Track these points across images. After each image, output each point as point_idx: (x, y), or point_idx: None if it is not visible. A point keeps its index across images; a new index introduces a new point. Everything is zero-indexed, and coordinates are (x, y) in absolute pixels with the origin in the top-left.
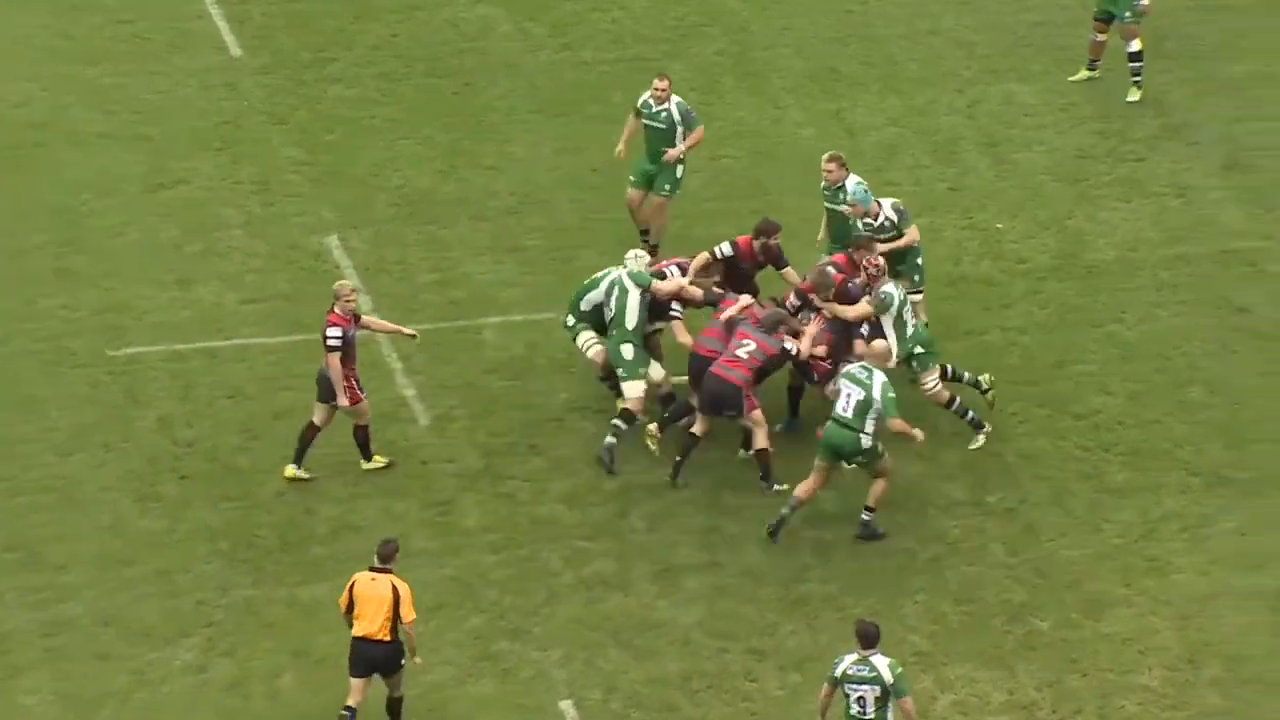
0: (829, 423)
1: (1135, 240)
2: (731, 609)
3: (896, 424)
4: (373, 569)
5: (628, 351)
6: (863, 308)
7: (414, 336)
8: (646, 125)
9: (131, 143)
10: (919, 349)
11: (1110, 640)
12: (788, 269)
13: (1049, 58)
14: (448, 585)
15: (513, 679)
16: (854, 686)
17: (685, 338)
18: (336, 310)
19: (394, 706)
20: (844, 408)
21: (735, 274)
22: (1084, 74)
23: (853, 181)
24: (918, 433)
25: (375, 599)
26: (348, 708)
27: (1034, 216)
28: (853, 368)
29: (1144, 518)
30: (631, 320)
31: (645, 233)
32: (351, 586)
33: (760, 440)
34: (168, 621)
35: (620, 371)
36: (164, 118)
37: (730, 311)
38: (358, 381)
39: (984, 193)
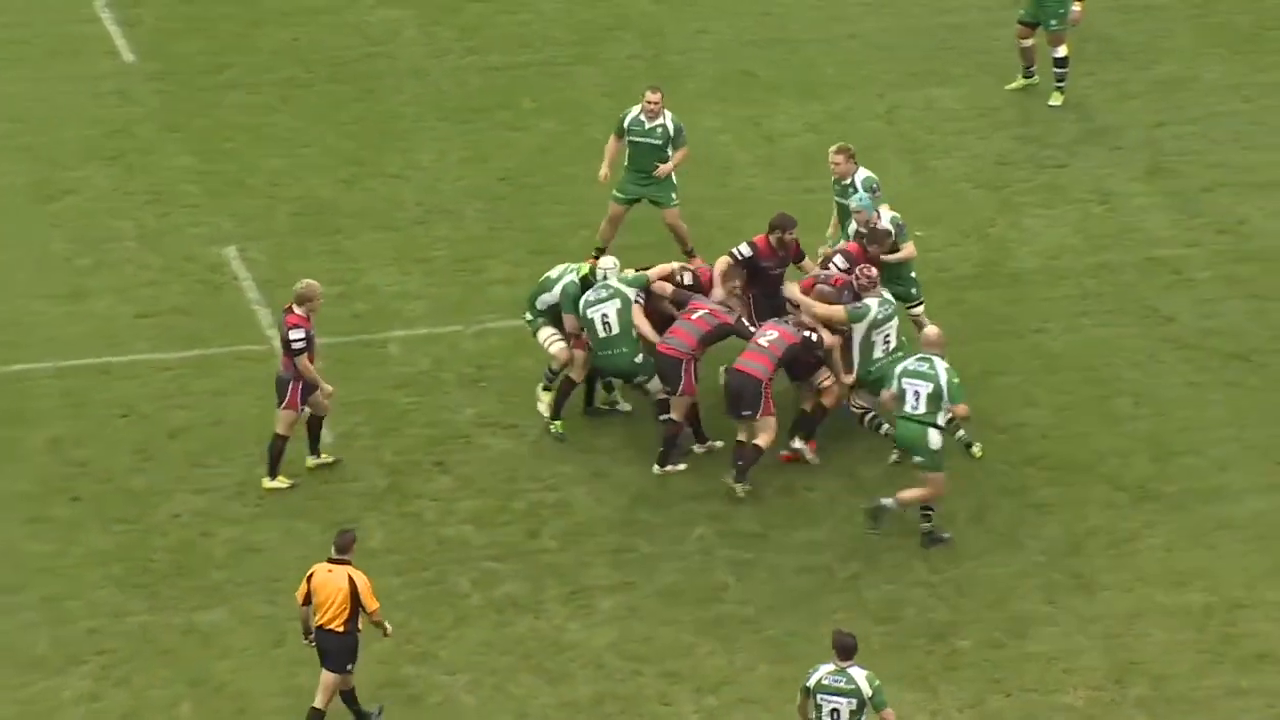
0: (899, 421)
1: (1058, 248)
2: (646, 631)
3: (962, 409)
4: (330, 560)
5: (639, 357)
6: (836, 310)
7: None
8: (636, 143)
9: (18, 152)
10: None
11: (1035, 660)
12: (806, 262)
13: (970, 62)
14: None
15: (420, 705)
16: (828, 698)
17: (644, 325)
18: (298, 311)
19: (314, 716)
20: (914, 405)
21: (760, 275)
22: (1021, 82)
23: (861, 177)
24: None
25: (332, 590)
26: (343, 691)
27: (955, 224)
28: (909, 363)
29: (1069, 533)
30: (635, 330)
31: (602, 250)
32: (309, 577)
33: (763, 440)
34: (58, 649)
35: (639, 377)
36: (53, 126)
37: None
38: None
39: (904, 200)
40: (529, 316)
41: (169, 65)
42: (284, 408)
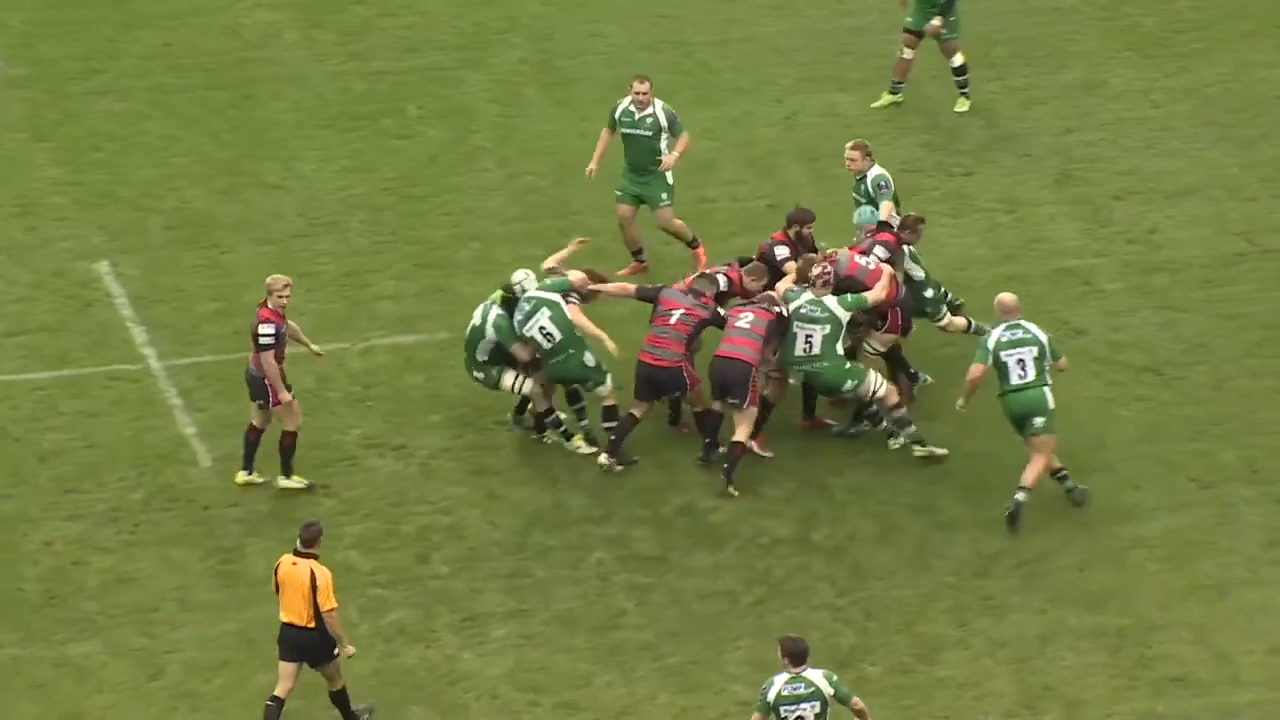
0: (1008, 397)
1: (965, 259)
2: (542, 659)
3: (1064, 362)
4: (296, 552)
5: (590, 359)
6: (780, 284)
7: (320, 355)
8: (628, 135)
9: None
10: (799, 369)
11: (945, 685)
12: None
13: (870, 66)
14: (233, 641)
15: None
16: (791, 708)
17: (586, 323)
18: (269, 305)
19: (337, 699)
20: (1022, 374)
21: (776, 273)
22: (887, 99)
23: (872, 176)
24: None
25: (295, 584)
26: (274, 697)
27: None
28: (1001, 335)
29: (978, 554)
30: (576, 330)
31: (638, 252)
32: (277, 569)
33: (743, 433)
34: None
35: (591, 383)
36: None
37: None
38: (285, 380)
39: None
40: (479, 375)
41: (36, 71)
42: (275, 405)
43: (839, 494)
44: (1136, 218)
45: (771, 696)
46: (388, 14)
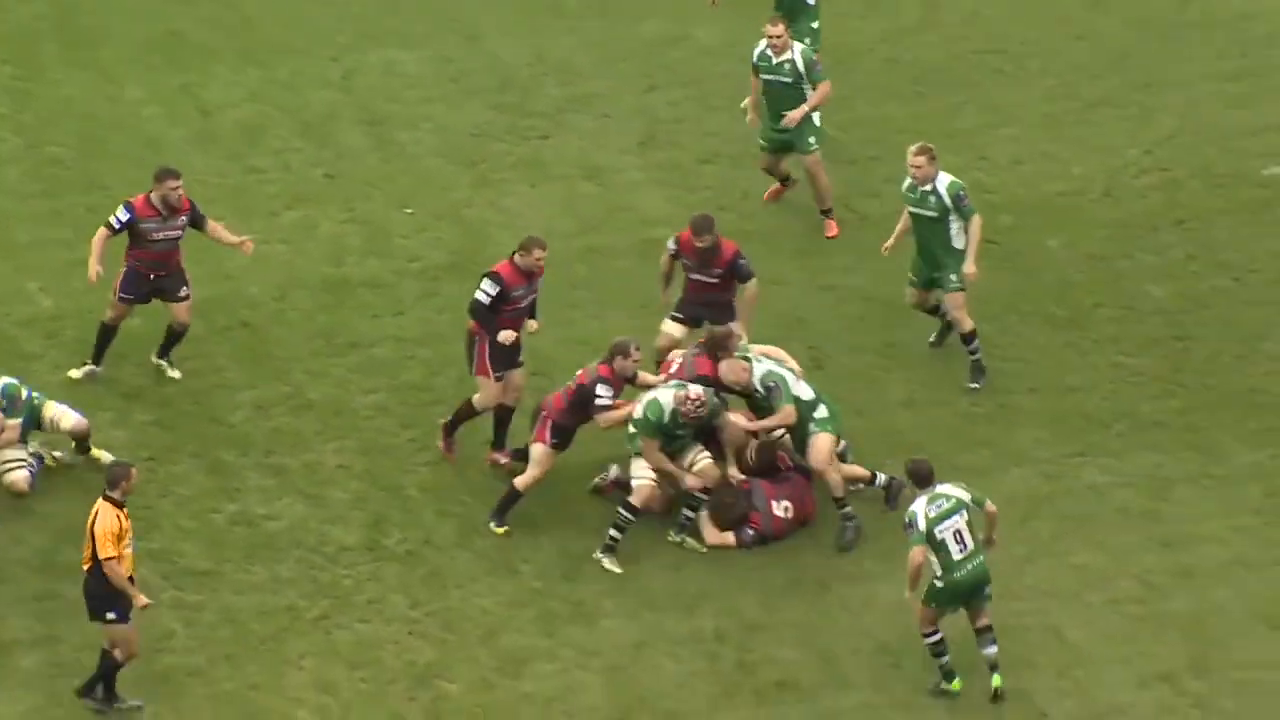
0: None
1: (545, 231)
2: (72, 693)
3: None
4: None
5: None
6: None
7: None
8: (767, 81)
9: None
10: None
11: (531, 701)
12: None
13: (434, 19)
14: None
15: None
16: (944, 525)
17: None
18: None
19: (104, 666)
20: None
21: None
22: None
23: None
24: None
25: (89, 525)
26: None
27: (426, 206)
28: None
29: (565, 555)
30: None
31: (785, 179)
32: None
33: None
34: None
35: None
36: None
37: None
38: None
39: (366, 179)
40: None
41: None
42: None
43: (412, 494)
44: (727, 183)
45: (923, 525)
46: None
